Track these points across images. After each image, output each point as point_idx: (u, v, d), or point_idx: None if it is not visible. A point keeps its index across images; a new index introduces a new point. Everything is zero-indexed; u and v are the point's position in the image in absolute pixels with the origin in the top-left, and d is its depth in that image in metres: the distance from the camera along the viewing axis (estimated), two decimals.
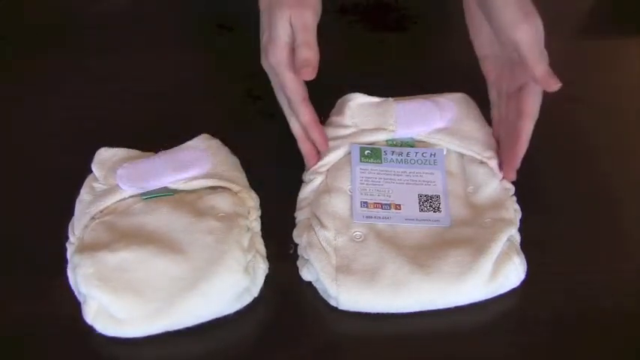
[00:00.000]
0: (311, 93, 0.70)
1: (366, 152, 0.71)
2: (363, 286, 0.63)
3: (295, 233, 0.68)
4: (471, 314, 0.64)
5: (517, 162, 0.69)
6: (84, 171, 0.71)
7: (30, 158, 0.70)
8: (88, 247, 0.64)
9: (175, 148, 0.72)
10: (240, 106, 0.80)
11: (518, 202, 0.69)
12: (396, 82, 0.77)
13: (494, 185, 0.69)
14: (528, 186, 0.71)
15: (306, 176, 0.71)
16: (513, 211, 0.68)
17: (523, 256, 0.65)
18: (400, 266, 0.64)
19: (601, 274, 0.66)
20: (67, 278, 0.65)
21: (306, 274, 0.66)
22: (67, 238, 0.67)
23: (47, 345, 0.63)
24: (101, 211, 0.67)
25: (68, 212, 0.68)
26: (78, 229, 0.66)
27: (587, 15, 0.92)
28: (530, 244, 0.67)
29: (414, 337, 0.63)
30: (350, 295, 0.63)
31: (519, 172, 0.69)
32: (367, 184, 0.69)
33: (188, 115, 0.78)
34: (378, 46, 0.86)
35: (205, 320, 0.63)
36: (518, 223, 0.67)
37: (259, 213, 0.69)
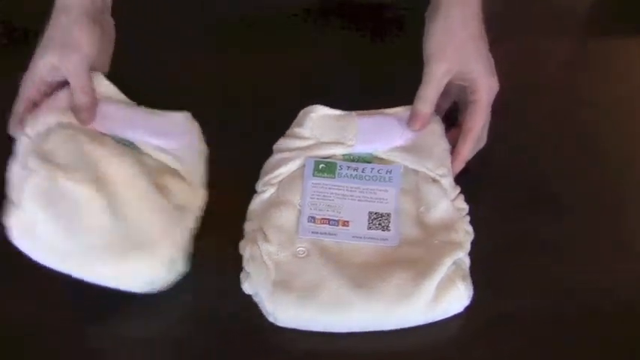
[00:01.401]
0: (304, 94, 0.70)
1: (321, 166, 0.69)
2: (300, 303, 0.62)
3: (241, 245, 0.67)
4: (470, 314, 0.64)
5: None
6: None
7: None
8: (47, 158, 0.63)
9: (157, 111, 0.71)
10: (241, 106, 0.80)
11: (519, 201, 0.69)
12: (394, 83, 0.77)
13: (445, 205, 0.66)
14: (531, 186, 0.71)
15: (259, 187, 0.69)
16: (464, 233, 0.65)
17: (469, 281, 0.63)
18: (340, 285, 0.62)
19: (601, 274, 0.66)
20: (67, 278, 0.64)
21: (247, 288, 0.65)
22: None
23: (47, 345, 0.63)
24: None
25: None
26: (40, 126, 0.66)
27: (588, 15, 0.92)
28: (531, 244, 0.67)
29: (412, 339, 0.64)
30: (286, 313, 0.62)
31: (524, 173, 0.71)
32: (318, 198, 0.67)
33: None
34: (375, 48, 0.86)
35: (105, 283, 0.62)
36: (468, 247, 0.65)
37: (201, 213, 0.67)
